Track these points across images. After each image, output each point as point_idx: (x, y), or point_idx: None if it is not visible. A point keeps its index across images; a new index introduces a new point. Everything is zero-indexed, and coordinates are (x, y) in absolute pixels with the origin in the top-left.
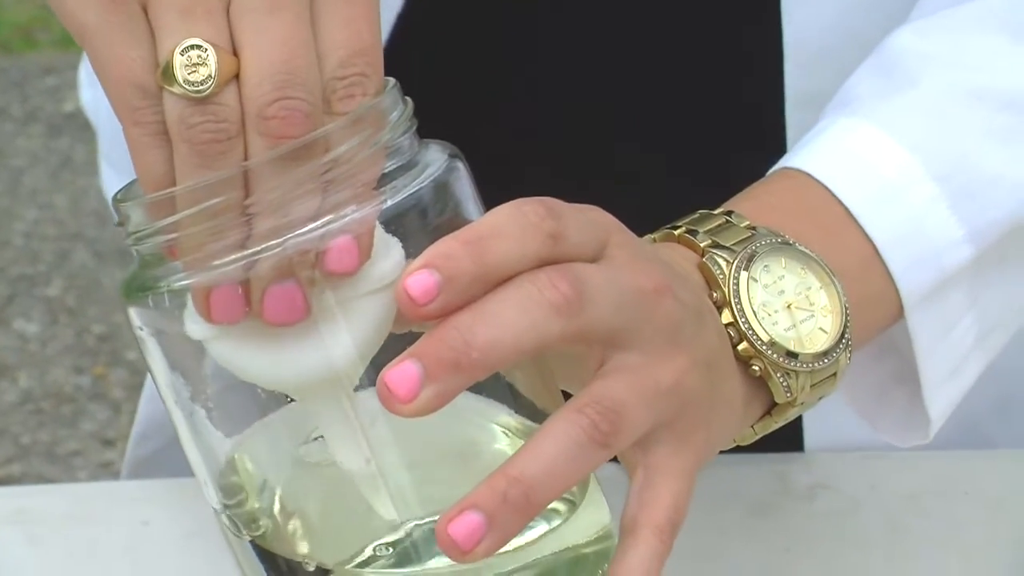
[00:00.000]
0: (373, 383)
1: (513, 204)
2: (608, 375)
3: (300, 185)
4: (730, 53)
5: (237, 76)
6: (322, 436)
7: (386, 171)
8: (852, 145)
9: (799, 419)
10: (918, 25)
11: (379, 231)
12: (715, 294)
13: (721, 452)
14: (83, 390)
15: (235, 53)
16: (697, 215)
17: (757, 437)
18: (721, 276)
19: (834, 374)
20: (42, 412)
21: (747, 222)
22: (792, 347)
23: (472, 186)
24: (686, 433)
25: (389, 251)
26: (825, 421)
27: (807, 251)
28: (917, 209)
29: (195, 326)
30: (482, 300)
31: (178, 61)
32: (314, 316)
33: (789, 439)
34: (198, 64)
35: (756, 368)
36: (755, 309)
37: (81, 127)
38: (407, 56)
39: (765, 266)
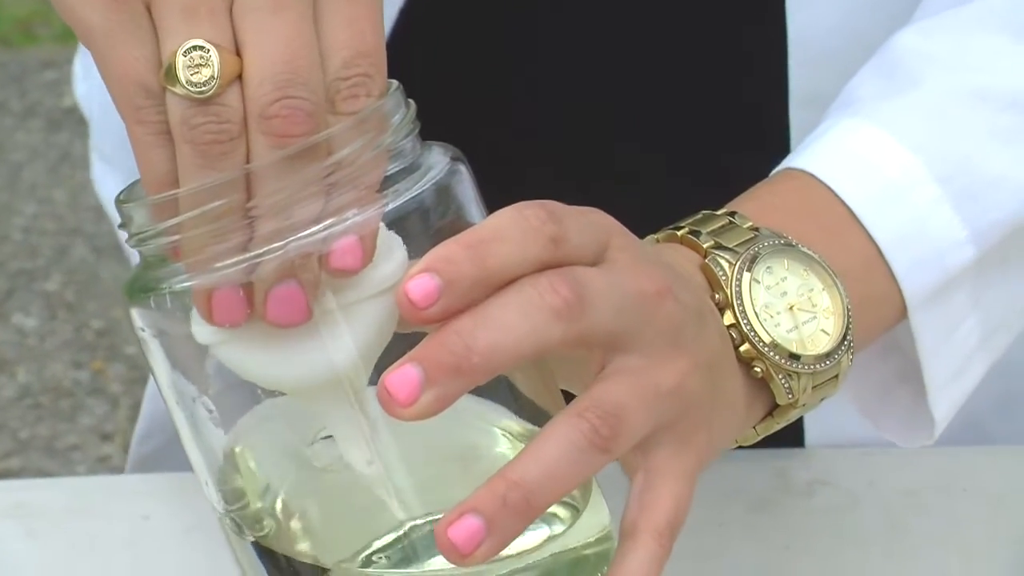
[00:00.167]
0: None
1: (514, 208)
2: (609, 378)
3: (303, 188)
4: (733, 53)
5: (240, 76)
6: (330, 436)
7: (388, 174)
8: (855, 146)
9: (800, 416)
10: (921, 25)
11: (383, 232)
12: (717, 295)
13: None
14: (82, 385)
15: (238, 53)
16: (700, 216)
17: (759, 438)
18: (724, 278)
19: (836, 376)
20: (40, 406)
21: (750, 223)
22: (794, 349)
23: (474, 189)
24: (687, 435)
25: (392, 253)
26: (826, 418)
27: (810, 252)
28: (920, 210)
29: (200, 329)
30: (483, 304)
31: (181, 62)
32: (317, 319)
33: (790, 435)
34: (201, 65)
35: (758, 370)
36: (757, 311)
37: (80, 122)
38: (408, 53)
39: (768, 267)
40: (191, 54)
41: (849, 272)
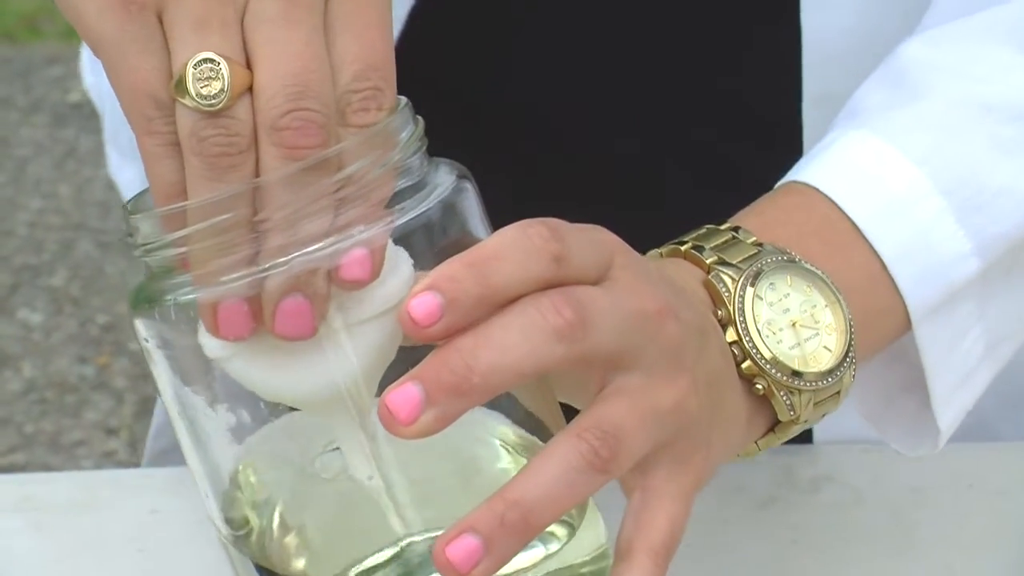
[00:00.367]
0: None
1: (518, 226)
2: (609, 398)
3: (312, 202)
4: (746, 52)
5: (250, 89)
6: (337, 448)
7: (396, 190)
8: (860, 159)
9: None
10: (929, 35)
11: (390, 248)
12: (720, 312)
13: None
14: (87, 380)
15: (249, 64)
16: (704, 230)
17: (760, 453)
18: (727, 294)
19: (838, 392)
20: (46, 401)
21: (753, 238)
22: (796, 366)
23: (480, 206)
24: (685, 455)
25: (398, 269)
26: (833, 415)
27: (813, 269)
28: (924, 223)
29: (207, 341)
30: (485, 324)
31: (191, 74)
32: (324, 334)
33: (799, 433)
34: (211, 77)
35: (760, 386)
36: (759, 328)
37: (86, 117)
38: (415, 53)
39: (771, 284)
40: (202, 66)
41: (853, 287)
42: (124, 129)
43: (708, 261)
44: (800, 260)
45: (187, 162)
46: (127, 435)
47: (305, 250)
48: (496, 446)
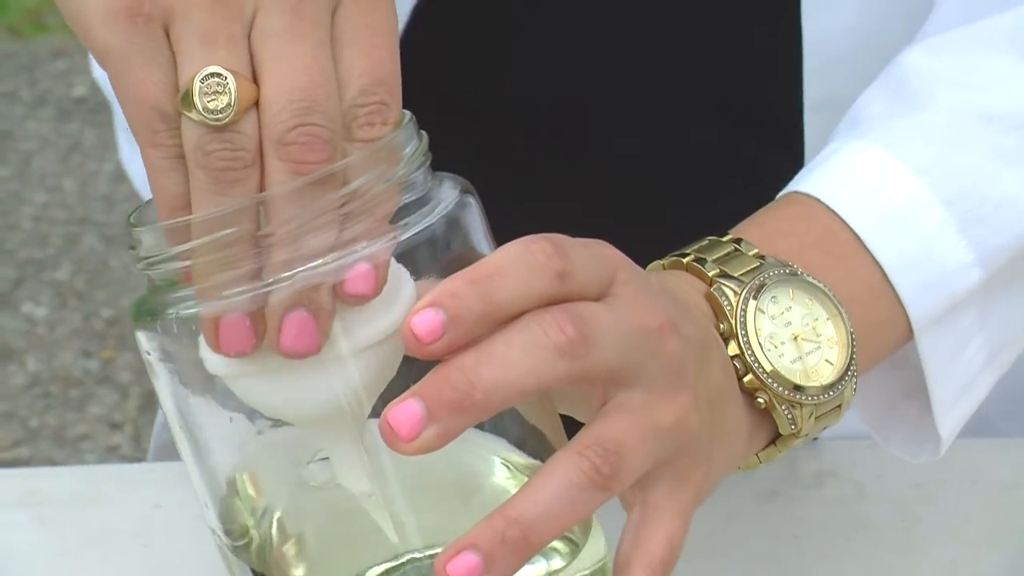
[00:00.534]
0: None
1: (521, 242)
2: (610, 415)
3: (316, 218)
4: (746, 56)
5: (257, 103)
6: (325, 457)
7: (400, 205)
8: (861, 170)
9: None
10: (929, 43)
11: (392, 266)
12: (722, 325)
13: None
14: (91, 374)
15: (255, 79)
16: (706, 242)
17: (761, 465)
18: (728, 308)
19: (839, 406)
20: (50, 395)
21: (755, 251)
22: (798, 380)
23: (483, 220)
24: (685, 472)
25: (400, 286)
26: None
27: (815, 282)
28: (926, 234)
29: (208, 356)
30: (487, 341)
31: (198, 88)
32: (326, 352)
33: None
34: (218, 92)
35: (761, 400)
36: (761, 341)
37: (91, 111)
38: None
39: (773, 297)
40: (209, 80)
41: (854, 298)
42: None
43: (710, 274)
44: (802, 273)
45: (192, 175)
46: (131, 429)
47: (309, 265)
48: (496, 463)
